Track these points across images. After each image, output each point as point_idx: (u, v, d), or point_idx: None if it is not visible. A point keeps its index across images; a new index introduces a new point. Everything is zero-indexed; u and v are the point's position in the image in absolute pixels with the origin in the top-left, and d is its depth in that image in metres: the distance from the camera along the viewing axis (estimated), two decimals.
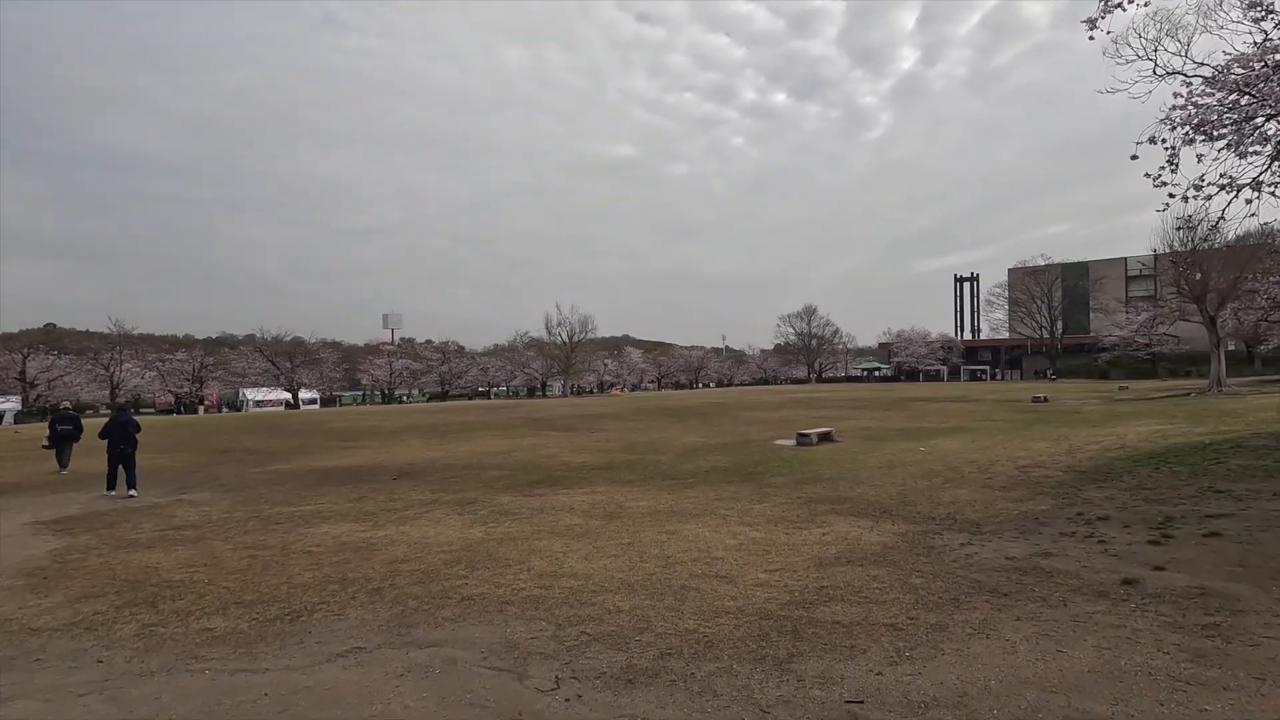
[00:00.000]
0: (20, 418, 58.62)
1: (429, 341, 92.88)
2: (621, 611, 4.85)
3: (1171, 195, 7.38)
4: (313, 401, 74.10)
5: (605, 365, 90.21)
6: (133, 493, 11.84)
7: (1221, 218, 8.27)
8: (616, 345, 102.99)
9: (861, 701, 3.40)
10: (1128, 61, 9.15)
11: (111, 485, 12.13)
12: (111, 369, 67.18)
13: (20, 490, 13.11)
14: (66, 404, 19.86)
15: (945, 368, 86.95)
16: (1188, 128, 7.42)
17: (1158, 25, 9.04)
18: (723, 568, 5.88)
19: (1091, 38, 7.47)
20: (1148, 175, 7.29)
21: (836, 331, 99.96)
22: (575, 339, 77.46)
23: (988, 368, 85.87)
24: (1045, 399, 29.39)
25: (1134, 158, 7.17)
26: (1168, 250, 32.77)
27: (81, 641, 4.70)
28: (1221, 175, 7.56)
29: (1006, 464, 11.50)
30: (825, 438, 16.31)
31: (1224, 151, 7.57)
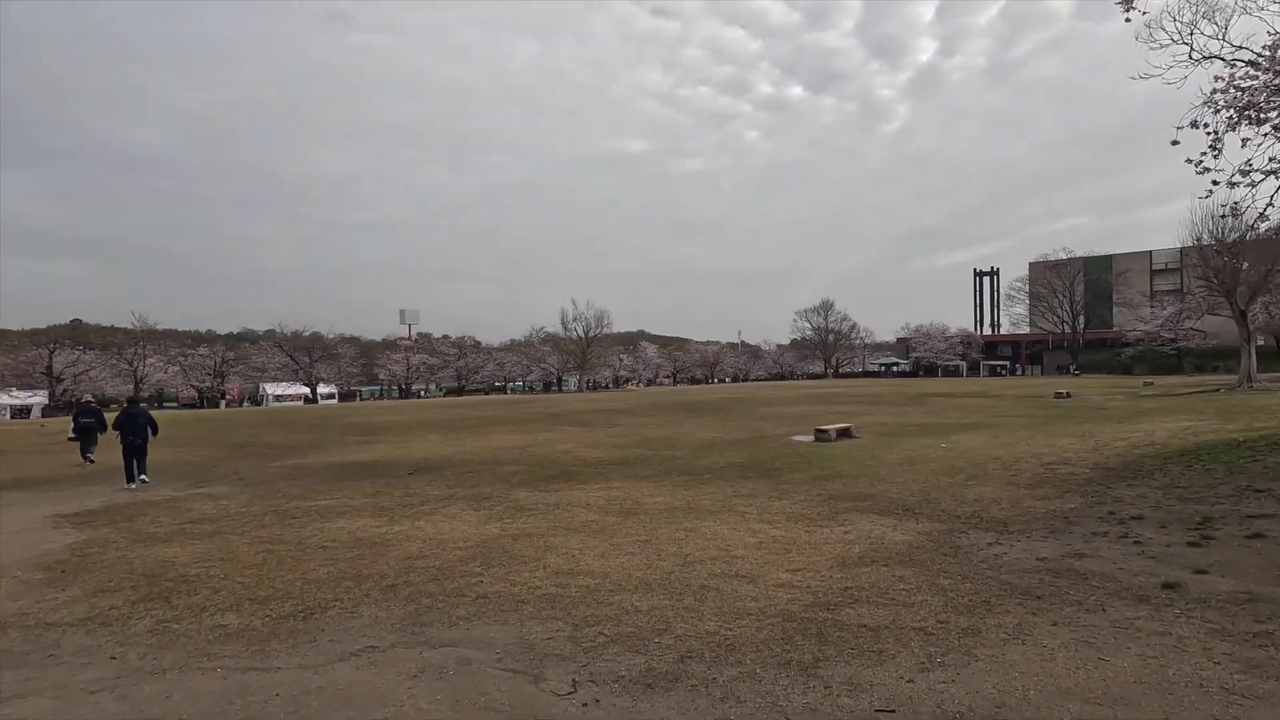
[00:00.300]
0: (47, 411, 59.75)
1: (445, 337, 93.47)
2: (639, 612, 4.72)
3: (1215, 182, 7.09)
4: (331, 396, 74.81)
5: (621, 360, 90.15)
6: (144, 477, 12.23)
7: (1270, 204, 7.93)
8: (632, 340, 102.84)
9: (893, 711, 3.25)
10: (1161, 46, 8.82)
11: (130, 478, 12.30)
12: (135, 364, 68.24)
13: (44, 483, 13.27)
14: (89, 397, 20.31)
15: (964, 363, 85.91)
16: (1232, 111, 7.10)
17: (1193, 8, 8.72)
18: (743, 567, 5.74)
19: (1128, 19, 7.21)
20: (1189, 161, 7.01)
21: (854, 327, 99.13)
22: (590, 334, 77.40)
23: (1008, 363, 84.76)
24: (1068, 394, 28.83)
25: (1175, 143, 6.88)
26: (1196, 242, 31.97)
27: (96, 637, 4.66)
28: (1271, 160, 7.24)
29: (1031, 461, 11.24)
30: (844, 433, 16.08)
31: (1270, 135, 7.25)
